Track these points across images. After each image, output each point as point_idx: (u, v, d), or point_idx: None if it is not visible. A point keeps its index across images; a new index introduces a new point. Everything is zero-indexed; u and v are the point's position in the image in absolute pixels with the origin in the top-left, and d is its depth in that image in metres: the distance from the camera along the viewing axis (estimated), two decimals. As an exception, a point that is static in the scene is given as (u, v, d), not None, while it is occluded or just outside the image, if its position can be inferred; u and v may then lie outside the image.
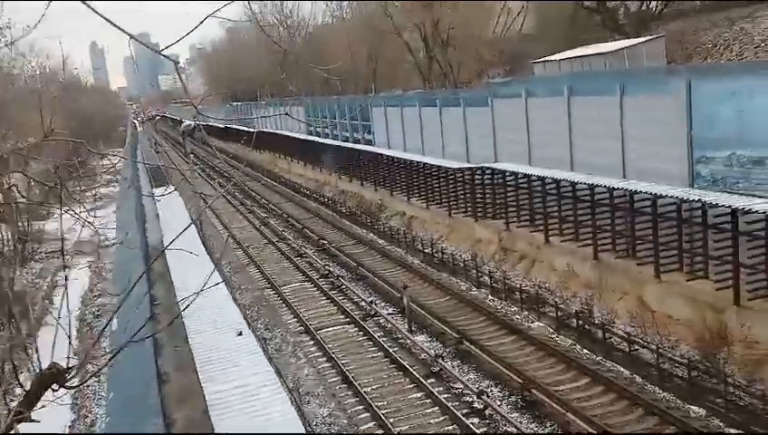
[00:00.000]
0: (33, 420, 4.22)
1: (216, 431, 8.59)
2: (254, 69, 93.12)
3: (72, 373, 4.21)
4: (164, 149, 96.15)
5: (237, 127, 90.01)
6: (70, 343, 4.23)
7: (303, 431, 9.50)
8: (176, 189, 41.66)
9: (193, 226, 27.44)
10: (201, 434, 8.82)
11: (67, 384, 4.24)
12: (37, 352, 4.36)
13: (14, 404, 4.32)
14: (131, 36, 3.65)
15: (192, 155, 38.59)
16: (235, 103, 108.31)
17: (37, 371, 4.23)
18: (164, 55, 4.23)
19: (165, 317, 19.32)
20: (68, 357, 4.25)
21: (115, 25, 3.50)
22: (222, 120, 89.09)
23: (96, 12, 3.50)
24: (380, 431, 16.68)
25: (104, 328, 4.43)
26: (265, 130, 74.25)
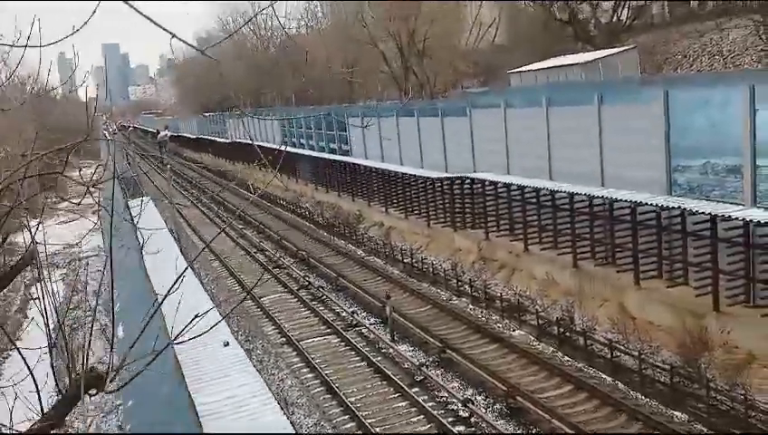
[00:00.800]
0: (67, 426, 4.14)
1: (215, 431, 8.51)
2: (227, 80, 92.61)
3: (111, 377, 4.13)
4: (136, 162, 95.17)
5: (210, 138, 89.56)
6: (111, 349, 4.16)
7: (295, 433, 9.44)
8: (151, 200, 41.19)
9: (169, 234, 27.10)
10: (204, 434, 8.70)
11: (106, 389, 4.17)
12: (72, 356, 4.29)
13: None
14: (173, 35, 3.62)
15: (168, 166, 38.15)
16: (207, 114, 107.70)
17: (75, 375, 4.15)
18: (207, 55, 4.21)
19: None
20: (101, 362, 4.18)
21: (156, 24, 3.46)
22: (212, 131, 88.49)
23: (137, 11, 3.46)
24: (360, 432, 16.60)
25: (141, 332, 4.35)
26: (238, 140, 73.93)
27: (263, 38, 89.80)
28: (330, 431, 17.31)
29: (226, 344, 14.27)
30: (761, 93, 18.26)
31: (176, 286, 4.68)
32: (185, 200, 57.07)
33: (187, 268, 5.03)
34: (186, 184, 71.84)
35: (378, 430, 16.76)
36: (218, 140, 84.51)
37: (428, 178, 32.45)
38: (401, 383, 19.08)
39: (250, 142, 67.36)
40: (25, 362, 4.59)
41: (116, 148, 64.57)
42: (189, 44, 3.99)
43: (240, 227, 44.47)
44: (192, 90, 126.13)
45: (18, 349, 4.85)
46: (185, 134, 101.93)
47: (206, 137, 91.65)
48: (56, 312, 4.68)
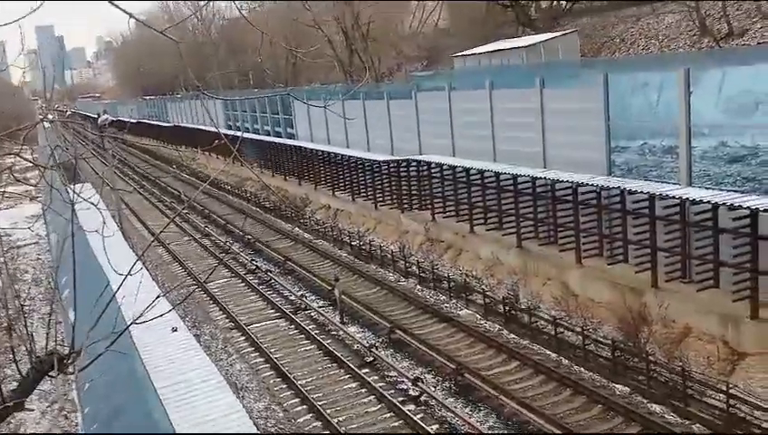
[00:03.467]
0: (27, 409, 4.09)
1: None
2: (167, 62, 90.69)
3: (72, 358, 4.09)
4: (74, 147, 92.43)
5: (150, 122, 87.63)
6: (73, 329, 4.10)
7: (248, 421, 9.47)
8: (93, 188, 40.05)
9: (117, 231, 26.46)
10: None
11: (67, 371, 4.12)
12: (31, 338, 4.22)
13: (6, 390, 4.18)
14: (131, 15, 3.57)
15: (110, 151, 37.18)
16: (147, 98, 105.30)
17: (34, 357, 4.09)
18: (168, 36, 4.15)
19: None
20: (58, 344, 4.13)
21: (113, 4, 3.41)
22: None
23: None
24: (319, 423, 16.69)
25: (102, 313, 4.30)
26: (181, 124, 72.59)
27: (204, 20, 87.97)
28: (279, 416, 17.34)
29: (174, 330, 14.10)
30: (695, 76, 18.93)
31: (129, 274, 4.68)
32: (127, 186, 55.75)
33: (137, 260, 5.01)
34: (127, 170, 70.18)
35: (329, 411, 16.86)
36: (160, 124, 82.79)
37: (375, 160, 32.53)
38: (351, 365, 19.22)
39: (193, 127, 66.22)
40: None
41: (56, 133, 62.61)
42: (149, 26, 3.94)
43: (185, 211, 43.76)
44: (131, 73, 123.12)
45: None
46: (124, 118, 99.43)
47: (146, 121, 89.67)
48: (17, 295, 4.60)
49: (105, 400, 13.13)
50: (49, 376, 4.25)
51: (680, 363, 16.10)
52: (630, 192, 18.69)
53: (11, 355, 4.57)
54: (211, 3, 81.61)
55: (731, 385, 14.59)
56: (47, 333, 4.28)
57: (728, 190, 17.73)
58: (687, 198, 16.94)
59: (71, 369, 4.15)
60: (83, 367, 4.24)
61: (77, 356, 4.13)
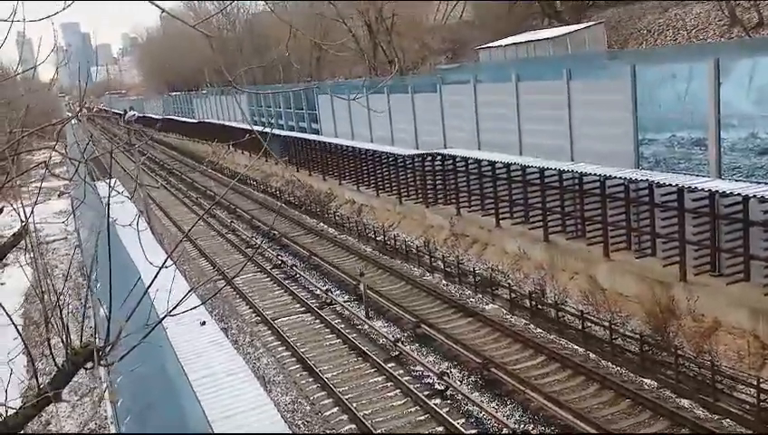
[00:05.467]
0: (64, 400, 4.17)
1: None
2: (193, 58, 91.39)
3: (108, 350, 4.16)
4: (110, 142, 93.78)
5: (176, 118, 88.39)
6: (108, 322, 4.18)
7: (277, 415, 9.54)
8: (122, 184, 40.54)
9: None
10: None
11: (103, 362, 4.19)
12: (66, 330, 4.30)
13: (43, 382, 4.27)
14: (163, 10, 3.61)
15: (137, 147, 37.55)
16: (173, 93, 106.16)
17: (71, 349, 4.16)
18: (200, 30, 4.19)
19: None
20: (93, 337, 4.20)
21: (153, 2, 3.44)
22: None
23: None
24: (345, 416, 16.77)
25: (137, 306, 4.38)
26: (206, 120, 73.14)
27: (229, 15, 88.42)
28: (306, 409, 17.45)
29: (203, 324, 14.25)
30: (725, 66, 18.62)
31: (164, 266, 4.75)
32: (153, 182, 56.33)
33: (167, 259, 5.07)
34: (153, 165, 70.96)
35: (354, 405, 16.94)
36: (185, 120, 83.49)
37: (399, 154, 32.50)
38: (377, 359, 19.28)
39: (218, 123, 66.70)
40: (22, 339, 4.59)
41: (83, 129, 63.48)
42: (182, 20, 3.98)
43: (210, 206, 44.17)
44: (157, 69, 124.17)
45: (16, 326, 4.84)
46: (150, 115, 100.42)
47: (172, 117, 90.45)
48: (54, 289, 4.69)
49: (139, 392, 13.31)
50: (85, 368, 4.32)
51: (709, 358, 15.91)
52: (659, 185, 18.47)
53: (47, 348, 4.66)
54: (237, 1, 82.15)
55: (762, 379, 14.38)
56: (81, 326, 4.35)
57: (759, 183, 17.43)
58: (717, 191, 16.70)
59: (106, 360, 4.22)
60: (120, 358, 4.31)
61: (112, 348, 4.20)
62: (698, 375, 15.82)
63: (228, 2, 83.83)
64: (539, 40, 43.08)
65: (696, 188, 17.17)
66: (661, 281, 18.73)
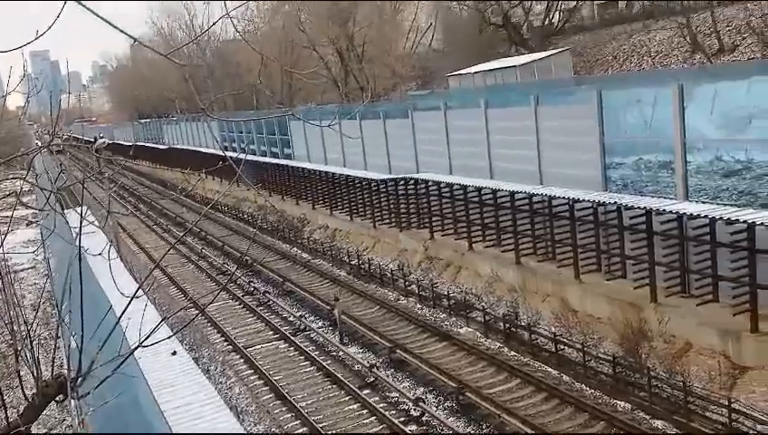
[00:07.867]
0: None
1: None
2: (163, 85, 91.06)
3: (80, 382, 4.08)
4: (81, 171, 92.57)
5: (146, 144, 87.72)
6: (80, 353, 4.10)
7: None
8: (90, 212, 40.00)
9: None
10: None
11: (74, 394, 4.10)
12: (37, 360, 4.21)
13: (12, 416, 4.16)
14: (135, 40, 3.61)
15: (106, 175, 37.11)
16: (143, 121, 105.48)
17: (41, 382, 4.07)
18: (172, 60, 4.19)
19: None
20: (66, 368, 4.12)
21: (117, 28, 3.44)
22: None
23: (93, 12, 3.42)
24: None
25: (108, 336, 4.32)
26: (176, 146, 72.70)
27: (199, 43, 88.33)
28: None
29: (174, 353, 14.05)
30: (688, 92, 19.08)
31: (135, 296, 4.70)
32: (123, 209, 55.68)
33: (138, 288, 5.03)
34: (123, 192, 70.18)
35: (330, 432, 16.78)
36: (155, 146, 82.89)
37: (373, 179, 32.61)
38: (352, 386, 19.15)
39: (187, 149, 66.29)
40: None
41: (51, 157, 62.58)
42: (153, 49, 3.98)
43: (180, 233, 43.72)
44: (126, 96, 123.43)
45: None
46: (120, 141, 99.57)
47: (142, 143, 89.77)
48: (24, 319, 4.61)
49: (112, 424, 13.04)
50: (56, 401, 4.24)
51: (681, 378, 16.08)
52: (627, 207, 18.77)
53: (16, 379, 4.57)
54: (205, 24, 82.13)
55: (733, 399, 14.57)
56: (52, 357, 4.27)
57: (724, 204, 17.81)
58: (684, 213, 17.01)
59: (78, 392, 4.15)
60: (91, 390, 4.23)
61: (84, 379, 4.13)
62: (671, 396, 15.97)
63: (200, 31, 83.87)
64: (507, 67, 43.78)
65: (663, 210, 17.47)
66: (632, 302, 18.95)
